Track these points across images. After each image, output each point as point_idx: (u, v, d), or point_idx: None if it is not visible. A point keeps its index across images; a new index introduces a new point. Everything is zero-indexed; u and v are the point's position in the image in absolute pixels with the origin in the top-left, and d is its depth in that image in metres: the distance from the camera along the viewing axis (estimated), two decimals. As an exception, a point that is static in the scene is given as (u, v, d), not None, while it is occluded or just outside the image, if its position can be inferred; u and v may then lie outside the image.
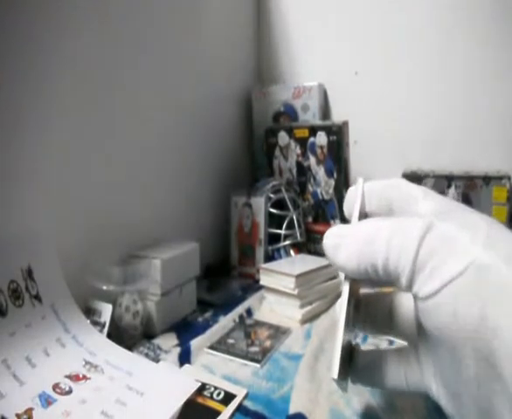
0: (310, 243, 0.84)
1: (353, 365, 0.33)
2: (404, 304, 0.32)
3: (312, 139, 0.86)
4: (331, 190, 0.85)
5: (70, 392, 0.42)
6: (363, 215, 0.31)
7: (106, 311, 0.53)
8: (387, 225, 0.26)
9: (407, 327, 0.32)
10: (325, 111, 0.96)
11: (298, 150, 0.88)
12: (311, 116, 0.94)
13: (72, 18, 0.56)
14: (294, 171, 0.89)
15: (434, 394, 0.28)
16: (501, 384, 0.21)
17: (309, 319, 0.62)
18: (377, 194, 0.31)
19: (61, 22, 0.55)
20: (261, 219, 0.80)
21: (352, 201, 0.32)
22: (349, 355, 0.33)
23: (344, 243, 0.27)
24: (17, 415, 0.38)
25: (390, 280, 0.25)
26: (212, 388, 0.44)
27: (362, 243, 0.26)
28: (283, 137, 0.89)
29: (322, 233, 0.29)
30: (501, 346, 0.21)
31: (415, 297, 0.25)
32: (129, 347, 0.52)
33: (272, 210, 0.80)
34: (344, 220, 0.32)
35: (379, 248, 0.25)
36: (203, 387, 0.44)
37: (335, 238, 0.28)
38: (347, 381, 0.31)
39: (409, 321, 0.31)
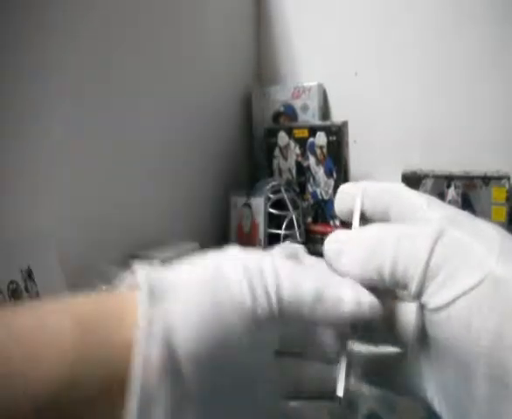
0: (310, 244, 0.84)
1: (358, 370, 0.32)
2: (404, 316, 0.31)
3: (311, 139, 0.86)
4: (331, 190, 0.85)
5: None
6: (361, 215, 0.30)
7: (105, 311, 0.53)
8: (395, 230, 0.24)
9: (408, 340, 0.31)
10: (324, 111, 0.96)
11: (297, 150, 0.88)
12: (310, 116, 0.94)
13: (73, 20, 0.56)
14: (294, 171, 0.89)
15: (437, 409, 0.26)
16: None
17: (309, 319, 0.62)
18: (373, 197, 0.29)
19: (63, 25, 0.55)
20: (261, 219, 0.80)
21: (346, 202, 0.30)
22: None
23: (347, 249, 0.25)
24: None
25: (397, 288, 0.24)
26: (212, 389, 0.44)
27: (367, 248, 0.24)
28: (283, 137, 0.89)
29: (322, 233, 0.28)
30: None
31: (424, 307, 0.23)
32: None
33: (271, 211, 0.80)
34: (344, 221, 0.31)
35: (386, 253, 0.23)
36: (202, 387, 0.44)
37: (338, 244, 0.26)
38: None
39: (409, 333, 0.30)
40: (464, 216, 0.26)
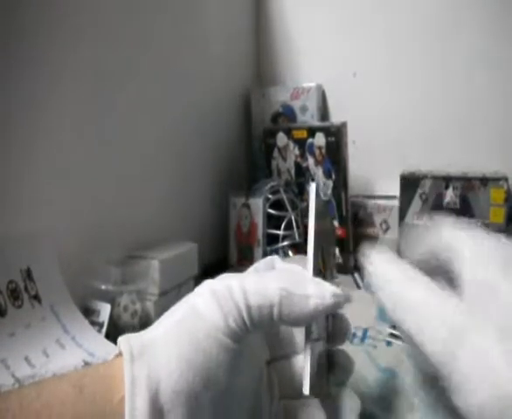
0: (308, 244, 0.84)
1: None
2: None
3: (310, 140, 0.86)
4: (329, 191, 0.85)
5: (69, 392, 0.42)
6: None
7: (104, 310, 0.53)
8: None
9: None
10: (323, 112, 0.97)
11: (296, 151, 0.88)
12: (309, 117, 0.94)
13: (74, 21, 0.56)
14: (293, 172, 0.90)
15: None
16: None
17: (308, 319, 0.62)
18: (422, 239, 0.27)
19: (64, 27, 0.55)
20: (260, 220, 0.80)
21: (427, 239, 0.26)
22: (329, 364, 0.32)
23: None
24: (17, 415, 0.38)
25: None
26: (211, 389, 0.44)
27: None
28: (282, 138, 0.90)
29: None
30: None
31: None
32: (128, 348, 0.52)
33: (270, 211, 0.81)
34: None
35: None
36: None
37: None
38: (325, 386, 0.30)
39: None
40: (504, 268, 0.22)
